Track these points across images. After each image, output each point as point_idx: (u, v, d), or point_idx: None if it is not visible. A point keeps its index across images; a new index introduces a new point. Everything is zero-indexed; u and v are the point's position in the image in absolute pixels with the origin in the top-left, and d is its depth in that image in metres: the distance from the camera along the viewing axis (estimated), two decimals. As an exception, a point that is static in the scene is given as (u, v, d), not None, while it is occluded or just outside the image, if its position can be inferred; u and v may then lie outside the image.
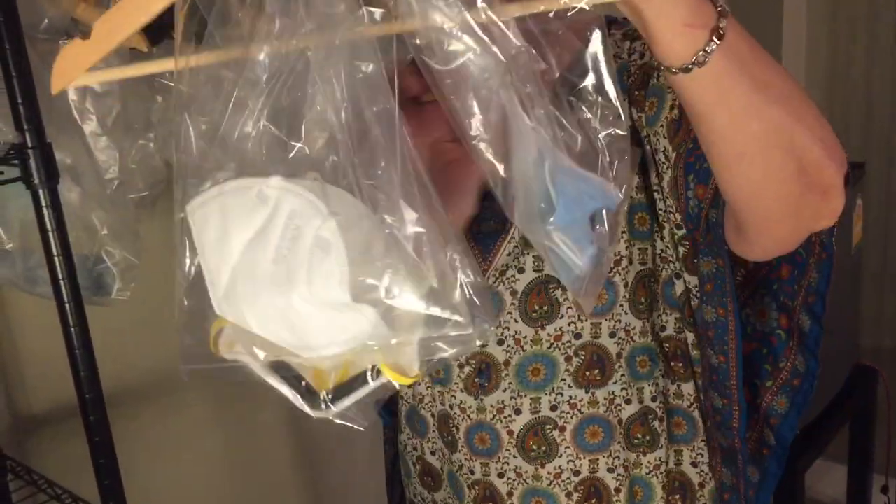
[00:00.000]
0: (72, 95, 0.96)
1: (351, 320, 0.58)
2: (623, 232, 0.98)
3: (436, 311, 0.58)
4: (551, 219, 0.59)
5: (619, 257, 0.98)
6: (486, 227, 0.98)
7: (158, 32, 1.07)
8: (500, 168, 0.58)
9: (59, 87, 0.70)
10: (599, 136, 0.59)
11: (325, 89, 0.56)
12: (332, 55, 0.56)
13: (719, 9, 0.64)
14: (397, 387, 0.63)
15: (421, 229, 0.57)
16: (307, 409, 0.64)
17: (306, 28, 0.56)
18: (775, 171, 0.71)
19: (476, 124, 0.56)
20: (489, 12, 0.54)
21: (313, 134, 0.57)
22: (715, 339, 0.96)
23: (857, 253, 2.73)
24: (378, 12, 0.56)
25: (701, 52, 0.63)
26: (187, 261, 0.63)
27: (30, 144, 0.90)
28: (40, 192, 0.92)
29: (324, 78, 0.56)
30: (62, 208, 0.93)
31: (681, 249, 0.97)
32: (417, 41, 0.55)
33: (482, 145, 0.57)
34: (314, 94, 0.56)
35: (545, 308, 0.99)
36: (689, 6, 0.63)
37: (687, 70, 0.64)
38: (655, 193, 0.96)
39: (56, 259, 0.93)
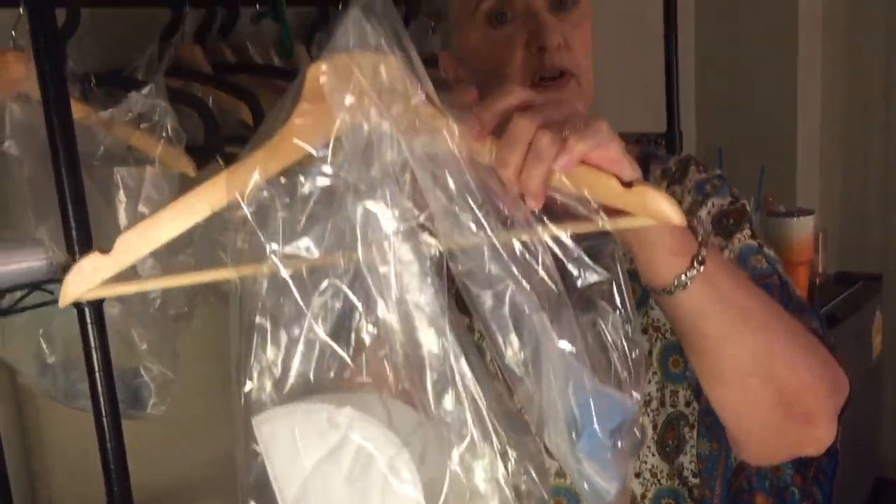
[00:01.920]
0: (122, 219, 1.00)
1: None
2: (654, 373, 0.98)
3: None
4: (578, 446, 0.63)
5: (648, 398, 0.97)
6: None
7: (204, 155, 1.12)
8: (532, 388, 0.62)
9: (69, 299, 0.68)
10: (613, 341, 0.63)
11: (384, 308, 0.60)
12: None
13: (700, 239, 0.70)
14: None
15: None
16: None
17: (362, 242, 0.60)
18: (752, 396, 0.75)
19: (512, 347, 0.61)
20: (523, 237, 0.60)
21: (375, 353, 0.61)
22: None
23: (877, 365, 2.72)
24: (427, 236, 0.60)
25: (682, 276, 0.69)
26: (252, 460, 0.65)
27: (79, 265, 0.94)
28: (86, 309, 0.96)
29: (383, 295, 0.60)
30: (105, 325, 0.96)
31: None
32: (460, 266, 0.60)
33: (516, 368, 0.61)
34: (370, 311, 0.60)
35: None
36: (673, 235, 0.68)
37: (670, 293, 0.70)
38: None
39: (97, 375, 0.96)
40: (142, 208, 1.00)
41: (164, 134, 0.99)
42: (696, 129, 2.80)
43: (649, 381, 0.98)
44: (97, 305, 0.96)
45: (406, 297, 0.59)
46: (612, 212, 0.63)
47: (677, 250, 0.69)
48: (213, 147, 1.12)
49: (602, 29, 0.99)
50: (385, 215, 0.59)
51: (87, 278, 0.67)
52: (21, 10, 1.06)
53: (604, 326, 0.62)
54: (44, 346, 1.03)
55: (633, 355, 0.62)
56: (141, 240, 0.67)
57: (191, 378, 1.17)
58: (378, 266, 0.59)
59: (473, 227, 0.60)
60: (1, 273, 0.89)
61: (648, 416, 0.99)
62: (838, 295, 2.63)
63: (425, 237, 0.60)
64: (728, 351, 0.73)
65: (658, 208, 0.62)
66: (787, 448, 0.81)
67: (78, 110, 0.99)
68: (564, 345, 0.60)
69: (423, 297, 0.59)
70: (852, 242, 3.01)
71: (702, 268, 0.69)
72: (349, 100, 0.59)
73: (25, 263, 0.91)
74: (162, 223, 0.67)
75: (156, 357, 1.03)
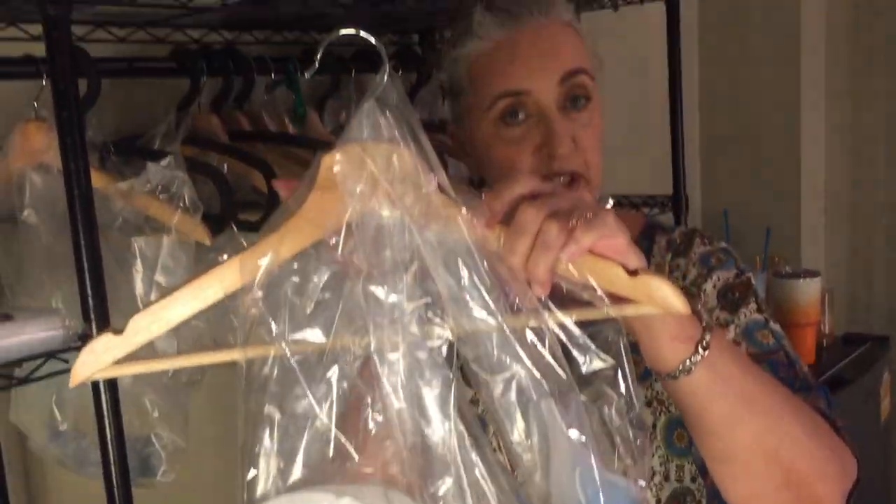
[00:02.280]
0: (138, 288, 1.02)
1: None
2: (658, 447, 0.98)
3: None
4: None
5: (652, 472, 0.97)
6: None
7: (219, 222, 1.15)
8: (539, 476, 0.63)
9: (80, 379, 0.68)
10: (617, 427, 0.64)
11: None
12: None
13: (704, 324, 0.71)
14: None
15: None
16: None
17: (372, 328, 0.61)
18: (758, 479, 0.75)
19: (519, 432, 0.62)
20: (531, 323, 0.62)
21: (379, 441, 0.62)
22: None
23: (886, 428, 2.70)
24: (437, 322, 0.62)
25: (686, 362, 0.70)
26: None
27: (95, 334, 0.96)
28: (100, 381, 0.97)
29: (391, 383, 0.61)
30: (119, 397, 0.98)
31: None
32: (469, 352, 0.62)
33: (523, 454, 0.63)
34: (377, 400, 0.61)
35: None
36: (677, 322, 0.69)
37: (674, 377, 0.71)
38: None
39: (109, 443, 0.97)
40: (158, 277, 1.01)
41: (181, 204, 1.01)
42: (702, 192, 2.82)
43: (652, 455, 0.98)
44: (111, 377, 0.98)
45: (414, 386, 0.60)
46: (617, 298, 0.65)
47: (681, 336, 0.70)
48: (228, 215, 1.15)
49: (606, 92, 1.01)
50: (395, 301, 0.61)
51: (98, 358, 0.67)
52: (44, 81, 1.09)
53: (608, 412, 0.63)
54: (56, 413, 1.04)
55: (638, 442, 0.63)
56: (153, 321, 0.68)
57: (200, 444, 1.17)
58: (387, 353, 0.60)
59: (483, 312, 0.61)
60: (19, 343, 0.90)
61: (651, 490, 0.99)
62: (846, 356, 2.62)
63: (436, 323, 0.62)
64: (732, 434, 0.74)
65: (663, 297, 0.64)
66: None
67: (97, 180, 1.02)
68: (573, 433, 0.61)
69: (432, 385, 0.60)
70: (859, 303, 3.01)
71: (706, 353, 0.70)
72: (360, 188, 0.61)
73: (42, 333, 0.92)
74: (175, 305, 0.68)
75: (167, 424, 1.04)
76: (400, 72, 1.58)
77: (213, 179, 1.14)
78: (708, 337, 0.71)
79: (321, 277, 0.63)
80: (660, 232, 1.05)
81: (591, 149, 0.95)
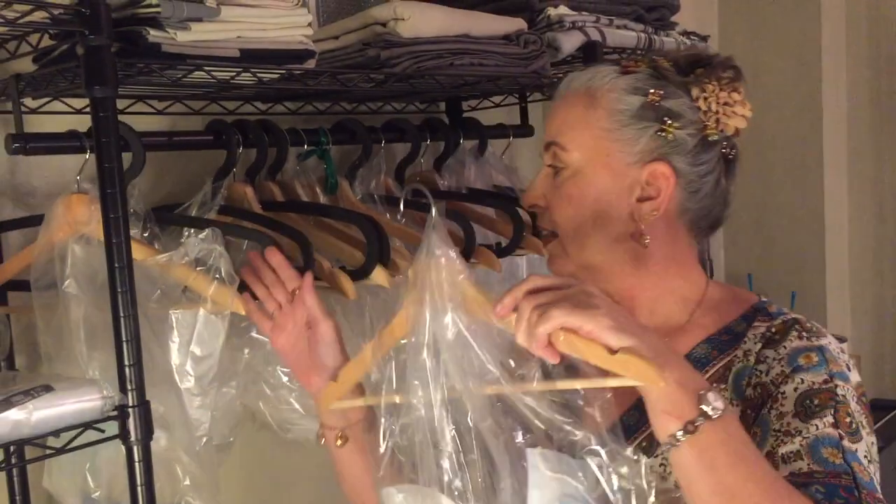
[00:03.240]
0: (174, 358, 1.04)
1: None
2: None
3: None
4: None
5: None
6: None
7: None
8: None
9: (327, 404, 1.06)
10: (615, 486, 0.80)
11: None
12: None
13: (703, 409, 0.78)
14: None
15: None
16: None
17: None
18: None
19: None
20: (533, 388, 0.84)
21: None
22: None
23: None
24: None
25: (673, 437, 0.79)
26: None
27: (131, 404, 0.98)
28: (135, 448, 0.98)
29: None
30: (152, 464, 0.99)
31: None
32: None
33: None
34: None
35: None
36: (667, 398, 0.80)
37: (666, 447, 0.81)
38: None
39: (142, 512, 0.98)
40: (194, 348, 1.04)
41: (217, 276, 1.04)
42: (725, 256, 2.83)
43: None
44: (145, 444, 0.99)
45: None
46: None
47: (672, 413, 0.79)
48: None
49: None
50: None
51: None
52: (87, 155, 1.13)
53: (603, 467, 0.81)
54: (89, 480, 1.05)
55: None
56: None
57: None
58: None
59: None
60: (59, 414, 0.92)
61: None
62: (875, 423, 2.58)
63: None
64: None
65: (636, 371, 0.79)
66: None
67: (138, 252, 1.05)
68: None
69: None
70: (887, 368, 2.98)
71: (689, 436, 0.78)
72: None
73: (81, 404, 0.94)
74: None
75: (198, 492, 1.05)
76: (428, 141, 1.61)
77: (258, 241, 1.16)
78: (700, 421, 0.78)
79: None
80: (762, 317, 1.03)
81: (556, 209, 1.04)
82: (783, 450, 0.89)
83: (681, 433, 0.78)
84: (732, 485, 0.78)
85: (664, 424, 0.80)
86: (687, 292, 1.06)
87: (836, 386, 0.93)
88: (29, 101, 1.22)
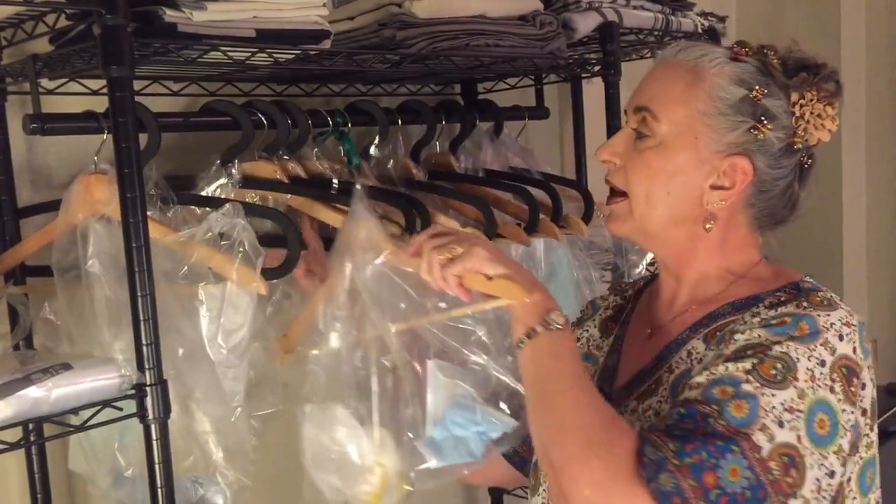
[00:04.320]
0: (205, 332, 1.05)
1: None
2: None
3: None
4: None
5: None
6: None
7: (281, 269, 1.16)
8: None
9: None
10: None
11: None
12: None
13: (541, 321, 0.96)
14: None
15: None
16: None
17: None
18: (540, 456, 0.97)
19: None
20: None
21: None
22: None
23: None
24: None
25: (519, 340, 0.97)
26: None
27: (149, 382, 0.98)
28: (152, 426, 0.99)
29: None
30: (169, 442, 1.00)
31: None
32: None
33: None
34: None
35: None
36: (525, 311, 0.97)
37: (516, 348, 0.98)
38: None
39: (159, 491, 0.99)
40: (224, 320, 1.04)
41: (241, 249, 1.04)
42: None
43: None
44: (163, 422, 1.00)
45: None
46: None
47: (522, 321, 0.98)
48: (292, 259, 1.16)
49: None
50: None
51: None
52: (104, 135, 1.13)
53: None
54: (120, 458, 1.06)
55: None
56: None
57: (263, 482, 1.18)
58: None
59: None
60: (77, 391, 0.93)
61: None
62: (890, 407, 2.57)
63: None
64: (531, 407, 0.97)
65: (510, 294, 0.98)
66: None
67: (157, 231, 1.05)
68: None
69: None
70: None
71: (529, 340, 0.96)
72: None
73: (98, 382, 0.95)
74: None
75: (231, 464, 1.06)
76: (444, 122, 1.61)
77: (277, 221, 1.16)
78: (540, 330, 0.96)
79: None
80: (791, 289, 1.01)
81: (632, 172, 1.05)
82: (692, 381, 0.92)
83: (524, 339, 0.96)
84: (547, 388, 0.95)
85: (517, 330, 0.98)
86: (732, 267, 1.06)
87: (784, 346, 0.90)
88: (46, 82, 1.22)
